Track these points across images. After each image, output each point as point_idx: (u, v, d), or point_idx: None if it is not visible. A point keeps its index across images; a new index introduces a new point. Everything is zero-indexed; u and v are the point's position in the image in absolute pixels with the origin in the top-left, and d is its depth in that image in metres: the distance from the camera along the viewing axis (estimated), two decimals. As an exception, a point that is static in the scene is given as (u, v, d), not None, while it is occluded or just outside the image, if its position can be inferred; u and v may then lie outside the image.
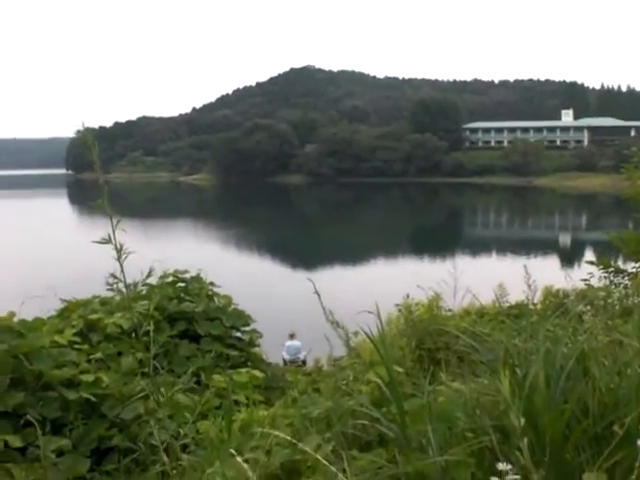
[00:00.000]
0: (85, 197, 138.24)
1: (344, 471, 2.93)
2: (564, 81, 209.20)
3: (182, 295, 9.36)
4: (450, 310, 6.72)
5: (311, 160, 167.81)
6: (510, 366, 2.81)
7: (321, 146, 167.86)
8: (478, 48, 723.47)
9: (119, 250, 3.38)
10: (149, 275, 3.77)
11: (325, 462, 2.87)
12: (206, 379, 7.15)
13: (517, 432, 2.32)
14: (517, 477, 2.10)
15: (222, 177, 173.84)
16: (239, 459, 2.64)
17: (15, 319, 7.36)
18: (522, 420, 2.33)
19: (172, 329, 7.58)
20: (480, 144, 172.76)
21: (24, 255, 48.90)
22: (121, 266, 3.40)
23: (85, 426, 6.40)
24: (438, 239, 68.77)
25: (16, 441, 5.99)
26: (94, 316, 8.35)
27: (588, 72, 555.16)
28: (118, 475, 5.83)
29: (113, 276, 3.51)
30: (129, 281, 3.48)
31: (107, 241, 3.34)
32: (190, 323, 8.75)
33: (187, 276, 9.88)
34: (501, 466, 2.14)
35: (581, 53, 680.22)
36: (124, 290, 3.65)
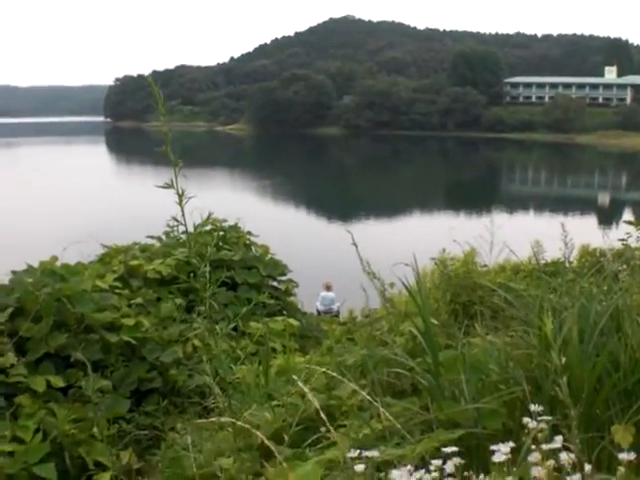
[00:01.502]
0: (123, 144, 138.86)
1: (378, 416, 3.02)
2: (608, 37, 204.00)
3: (220, 243, 9.49)
4: (485, 265, 6.71)
5: (348, 112, 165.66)
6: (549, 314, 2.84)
7: (359, 98, 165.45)
8: (522, 0, 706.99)
9: (181, 195, 3.42)
10: (208, 219, 3.84)
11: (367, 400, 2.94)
12: (243, 326, 7.29)
13: (558, 369, 2.38)
14: (548, 418, 2.17)
15: (259, 127, 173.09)
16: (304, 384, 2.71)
17: (58, 263, 7.51)
18: (563, 359, 2.39)
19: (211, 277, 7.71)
20: (521, 99, 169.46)
21: (64, 202, 49.46)
22: (182, 210, 3.42)
23: (125, 368, 6.59)
24: (475, 194, 67.76)
25: (59, 381, 6.19)
26: (134, 262, 8.52)
27: (633, 29, 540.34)
28: (157, 416, 6.00)
29: (175, 220, 3.64)
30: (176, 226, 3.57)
31: (170, 186, 3.39)
32: (228, 271, 8.90)
33: (225, 225, 10.01)
34: (533, 407, 2.21)
35: (627, 9, 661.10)
36: (183, 233, 3.71)
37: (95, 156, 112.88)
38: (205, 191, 50.79)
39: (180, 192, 3.43)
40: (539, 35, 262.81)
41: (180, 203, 3.44)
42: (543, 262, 7.13)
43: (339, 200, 62.36)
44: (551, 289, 3.71)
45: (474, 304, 4.87)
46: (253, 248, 9.93)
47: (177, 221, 3.62)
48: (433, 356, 3.26)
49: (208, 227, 9.59)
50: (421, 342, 3.39)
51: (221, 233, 9.76)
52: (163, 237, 9.81)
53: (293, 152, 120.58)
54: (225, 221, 10.06)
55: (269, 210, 51.28)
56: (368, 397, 3.10)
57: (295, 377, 3.33)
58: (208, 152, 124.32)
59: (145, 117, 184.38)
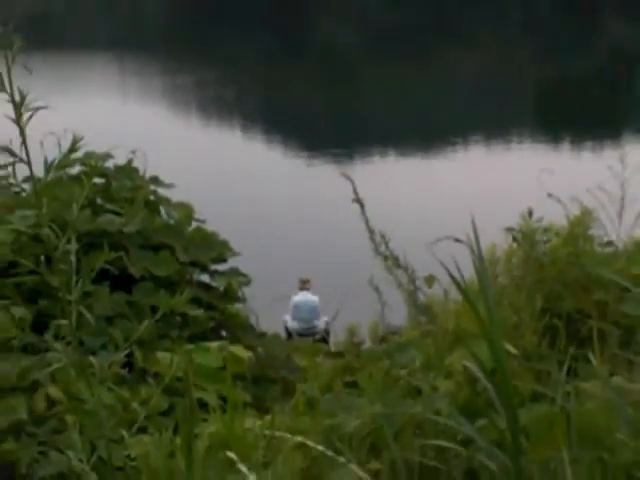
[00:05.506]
0: None
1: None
2: None
3: (100, 201, 5.85)
4: (610, 243, 4.29)
5: None
6: None
7: None
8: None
9: (19, 103, 2.03)
10: (74, 150, 2.15)
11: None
12: (143, 360, 4.76)
13: None
14: None
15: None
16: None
17: None
18: None
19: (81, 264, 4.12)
20: None
21: None
22: (23, 134, 2.03)
23: None
24: (592, 107, 34.98)
25: None
26: None
27: None
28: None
29: (8, 151, 2.09)
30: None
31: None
32: (114, 252, 5.07)
33: (109, 165, 6.20)
34: None
35: None
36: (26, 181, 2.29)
37: None
38: (72, 98, 30.88)
39: (19, 98, 2.03)
40: None
41: (19, 120, 2.04)
42: None
43: (329, 115, 33.99)
44: None
45: (587, 317, 3.19)
46: (163, 210, 6.13)
47: (12, 154, 2.08)
48: (510, 416, 2.13)
49: (76, 169, 5.93)
50: (486, 389, 2.24)
51: (101, 181, 6.00)
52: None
53: (243, 14, 56.33)
54: (109, 157, 6.20)
55: (195, 135, 29.46)
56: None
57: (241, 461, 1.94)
58: (74, 20, 63.93)
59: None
